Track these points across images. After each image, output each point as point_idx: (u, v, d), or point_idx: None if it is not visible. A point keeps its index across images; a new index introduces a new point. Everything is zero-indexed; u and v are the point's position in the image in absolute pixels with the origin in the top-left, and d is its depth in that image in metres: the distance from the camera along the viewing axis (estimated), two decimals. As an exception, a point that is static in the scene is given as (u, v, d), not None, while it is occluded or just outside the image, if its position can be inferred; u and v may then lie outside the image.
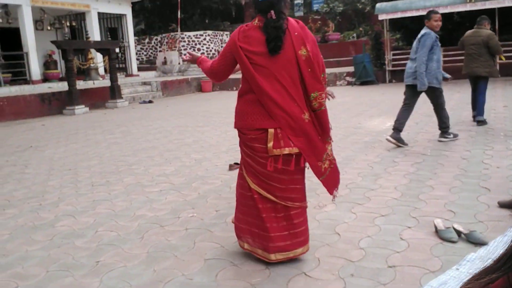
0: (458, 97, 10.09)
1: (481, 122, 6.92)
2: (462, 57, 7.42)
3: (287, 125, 2.63)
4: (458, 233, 3.03)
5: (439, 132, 6.21)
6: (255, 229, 2.80)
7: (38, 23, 17.47)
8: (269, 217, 2.73)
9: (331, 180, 2.87)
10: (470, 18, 14.03)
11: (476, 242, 2.92)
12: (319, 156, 2.74)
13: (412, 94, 5.99)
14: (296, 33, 2.59)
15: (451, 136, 6.06)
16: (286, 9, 2.70)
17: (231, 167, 5.34)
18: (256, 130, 2.68)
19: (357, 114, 8.98)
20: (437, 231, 3.11)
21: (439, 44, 5.95)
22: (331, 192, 2.92)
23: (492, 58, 7.07)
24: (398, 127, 5.93)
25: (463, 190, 3.98)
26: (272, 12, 2.60)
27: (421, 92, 5.86)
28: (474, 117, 7.20)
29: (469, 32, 7.28)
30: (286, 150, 2.64)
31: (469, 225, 3.19)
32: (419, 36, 5.94)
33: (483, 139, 5.96)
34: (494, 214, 3.41)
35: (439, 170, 4.66)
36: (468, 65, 6.96)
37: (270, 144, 2.63)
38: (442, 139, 6.04)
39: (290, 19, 2.67)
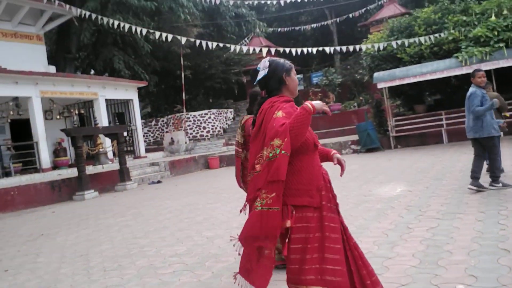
0: (465, 159, 10.09)
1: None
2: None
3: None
4: (483, 298, 2.94)
5: (451, 194, 6.54)
6: None
7: (48, 113, 18.06)
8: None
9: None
10: (467, 81, 14.37)
11: (503, 307, 2.82)
12: None
13: (477, 145, 6.75)
14: (259, 113, 2.72)
15: (500, 185, 6.50)
16: (283, 85, 2.74)
17: (244, 244, 5.27)
18: None
19: (366, 181, 8.97)
20: (461, 298, 3.01)
21: (488, 98, 6.64)
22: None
23: (500, 116, 7.85)
24: (475, 176, 6.58)
25: (482, 253, 3.90)
26: (263, 91, 2.81)
27: (486, 141, 6.58)
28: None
29: None
30: None
31: (494, 290, 3.10)
32: (467, 95, 6.75)
33: (496, 199, 5.90)
34: (517, 276, 3.31)
35: (456, 234, 4.59)
36: None
37: None
38: (491, 187, 6.54)
39: (271, 98, 2.71)
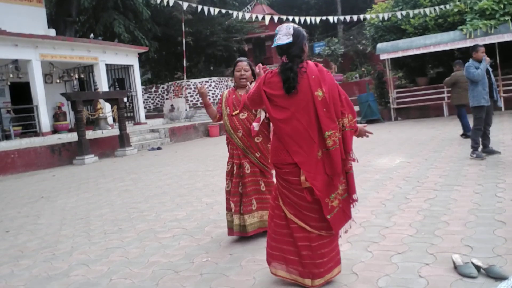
0: (465, 132, 10.09)
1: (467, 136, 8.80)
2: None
3: (303, 161, 2.79)
4: (477, 268, 2.99)
5: (450, 166, 6.68)
6: (291, 256, 2.92)
7: (48, 77, 17.94)
8: (304, 245, 2.86)
9: (337, 220, 2.92)
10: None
11: (496, 277, 2.87)
12: (328, 193, 2.83)
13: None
14: (313, 76, 2.77)
15: (474, 155, 7.00)
16: (303, 52, 2.89)
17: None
18: (289, 164, 2.86)
19: (365, 152, 8.99)
20: (455, 267, 3.06)
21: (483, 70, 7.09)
22: (335, 230, 2.94)
23: None
24: (485, 144, 7.25)
25: (478, 225, 3.94)
26: (284, 57, 2.86)
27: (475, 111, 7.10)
28: (464, 135, 9.32)
29: (458, 73, 9.62)
30: None
31: (488, 260, 3.15)
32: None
33: (494, 173, 5.94)
34: (512, 247, 3.36)
35: (453, 205, 4.63)
36: (465, 97, 8.61)
37: (303, 178, 2.81)
38: (469, 155, 7.12)
39: (310, 62, 2.86)
